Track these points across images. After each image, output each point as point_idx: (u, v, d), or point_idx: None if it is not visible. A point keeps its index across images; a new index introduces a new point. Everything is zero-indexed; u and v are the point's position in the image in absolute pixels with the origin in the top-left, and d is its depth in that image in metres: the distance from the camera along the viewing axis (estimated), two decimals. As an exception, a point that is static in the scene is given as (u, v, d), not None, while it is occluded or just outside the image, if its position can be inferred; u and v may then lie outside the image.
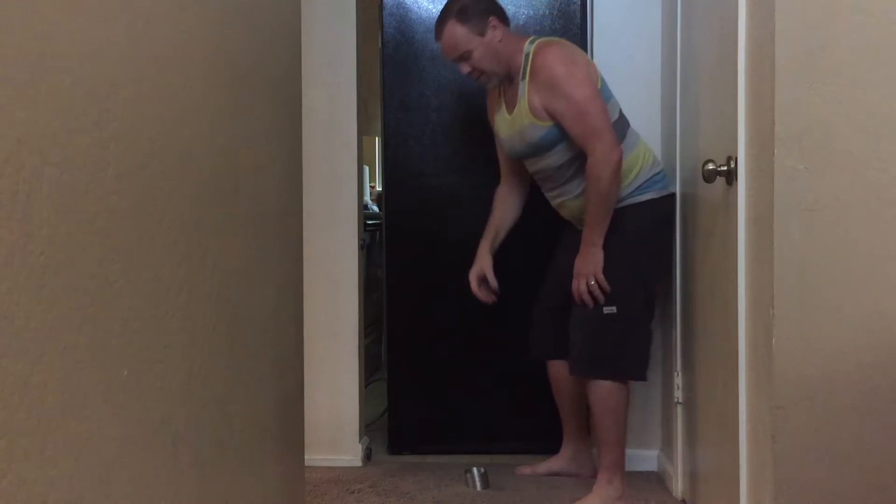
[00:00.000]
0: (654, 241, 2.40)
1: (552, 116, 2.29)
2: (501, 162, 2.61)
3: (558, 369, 2.54)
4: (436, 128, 2.89)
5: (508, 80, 2.40)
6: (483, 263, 2.55)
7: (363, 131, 2.90)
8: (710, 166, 1.86)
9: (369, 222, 3.83)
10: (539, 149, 2.36)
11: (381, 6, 2.92)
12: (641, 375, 2.37)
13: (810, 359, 1.55)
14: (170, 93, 1.10)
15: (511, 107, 2.41)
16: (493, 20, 2.37)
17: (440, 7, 2.85)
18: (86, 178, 0.88)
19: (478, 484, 2.51)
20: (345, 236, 2.80)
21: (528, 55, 2.34)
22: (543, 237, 2.66)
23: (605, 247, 2.29)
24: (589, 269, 2.28)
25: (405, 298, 2.94)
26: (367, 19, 3.05)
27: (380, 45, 2.99)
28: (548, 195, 2.47)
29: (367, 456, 2.87)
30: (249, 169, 1.44)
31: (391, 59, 2.90)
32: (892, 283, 1.54)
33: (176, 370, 1.11)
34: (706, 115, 2.12)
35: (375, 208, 5.10)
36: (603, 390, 2.31)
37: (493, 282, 2.53)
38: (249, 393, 1.42)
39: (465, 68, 2.38)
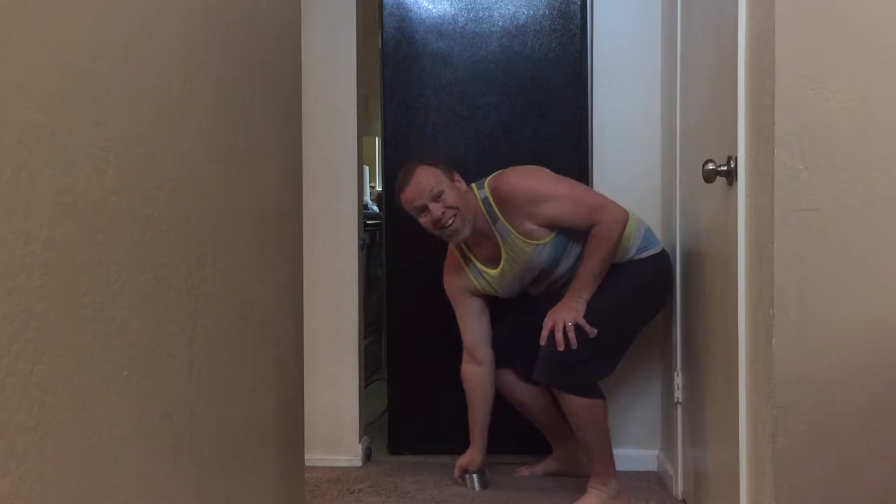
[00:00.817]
0: (657, 293, 2.42)
1: (547, 226, 2.29)
2: (467, 336, 2.50)
3: (507, 377, 2.52)
4: (436, 128, 2.89)
5: (476, 234, 2.36)
6: (479, 461, 2.52)
7: (363, 131, 2.91)
8: (710, 166, 1.86)
9: (369, 222, 3.83)
10: (552, 263, 2.35)
11: (381, 6, 2.92)
12: (595, 394, 2.28)
13: (810, 359, 1.55)
14: (170, 93, 1.10)
15: (492, 261, 2.39)
16: (456, 175, 2.37)
17: (440, 7, 2.86)
18: (86, 178, 0.88)
19: (476, 485, 2.51)
20: (345, 236, 2.80)
21: (486, 199, 2.33)
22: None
23: (608, 284, 2.30)
24: (569, 315, 2.24)
25: (405, 298, 2.94)
26: (367, 19, 3.05)
27: (380, 45, 2.99)
28: (546, 290, 2.44)
29: (367, 456, 2.87)
30: (249, 169, 1.44)
31: (391, 59, 2.90)
32: (891, 284, 1.54)
33: (176, 370, 1.11)
34: (706, 115, 2.12)
35: (375, 208, 5.09)
36: (578, 402, 2.26)
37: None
38: (249, 393, 1.42)
39: (438, 210, 2.27)
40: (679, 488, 2.42)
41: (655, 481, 2.62)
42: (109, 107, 0.93)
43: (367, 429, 3.02)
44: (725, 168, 1.84)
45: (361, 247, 2.85)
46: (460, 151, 2.89)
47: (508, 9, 2.86)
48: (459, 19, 2.87)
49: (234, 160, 1.36)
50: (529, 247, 2.32)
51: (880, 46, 1.53)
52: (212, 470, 1.24)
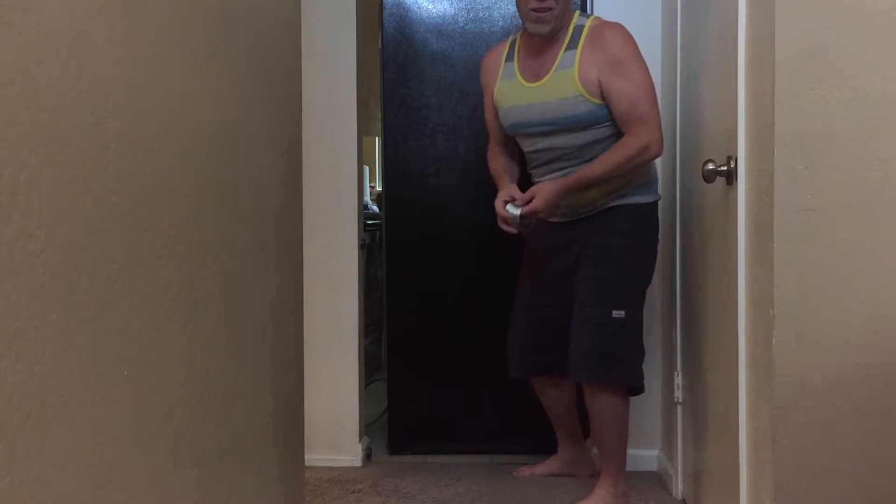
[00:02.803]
0: (652, 246, 2.38)
1: (599, 94, 2.20)
2: (494, 131, 2.48)
3: (546, 384, 2.52)
4: (436, 128, 2.89)
5: (541, 42, 2.27)
6: (508, 189, 2.36)
7: (363, 131, 2.91)
8: (710, 166, 1.86)
9: (369, 222, 3.83)
10: (575, 124, 2.24)
11: (381, 6, 2.93)
12: (642, 385, 2.32)
13: (810, 359, 1.55)
14: (170, 93, 1.10)
15: (535, 75, 2.29)
16: None
17: (440, 7, 2.87)
18: (86, 178, 0.88)
19: (517, 212, 2.28)
20: (345, 236, 2.80)
21: (580, 27, 2.25)
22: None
23: (613, 250, 2.27)
24: (545, 208, 2.22)
25: (405, 298, 2.94)
26: (367, 19, 3.05)
27: (380, 45, 3.00)
28: (549, 176, 2.33)
29: (367, 456, 2.87)
30: (249, 169, 1.44)
31: (391, 59, 2.90)
32: (891, 283, 1.53)
33: (176, 370, 1.11)
34: (706, 114, 2.12)
35: (375, 208, 5.09)
36: (608, 399, 2.27)
37: (522, 198, 2.30)
38: (249, 393, 1.42)
39: None
40: (679, 488, 2.42)
41: (655, 481, 2.62)
42: (109, 107, 0.93)
43: (367, 429, 3.02)
44: (725, 168, 1.84)
45: (361, 247, 2.85)
46: (460, 151, 2.90)
47: (508, 9, 2.86)
48: (459, 19, 2.88)
49: (234, 160, 1.36)
50: (573, 91, 2.21)
51: (880, 46, 1.53)
52: (212, 470, 1.24)
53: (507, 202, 2.31)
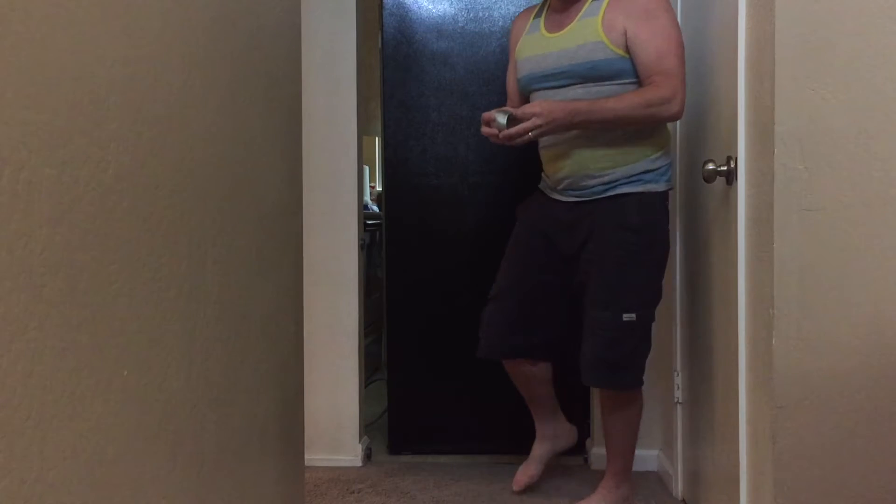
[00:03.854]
0: (665, 240, 2.21)
1: (625, 46, 2.06)
2: (511, 96, 2.37)
3: (523, 362, 2.38)
4: (436, 128, 2.89)
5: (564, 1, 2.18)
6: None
7: (363, 131, 2.91)
8: (710, 166, 1.86)
9: (369, 222, 3.83)
10: (590, 73, 2.09)
11: (381, 6, 2.93)
12: (642, 381, 2.24)
13: (810, 359, 1.55)
14: (170, 93, 1.10)
15: (558, 27, 2.17)
16: None
17: (440, 7, 2.87)
18: (86, 178, 0.88)
19: (503, 118, 2.07)
20: (345, 236, 2.80)
21: None
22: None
23: (623, 248, 2.12)
24: (550, 124, 2.02)
25: (405, 298, 2.94)
26: (367, 19, 3.05)
27: (380, 45, 3.00)
28: (555, 137, 2.16)
29: (367, 456, 2.87)
30: (249, 169, 1.44)
31: (391, 59, 2.90)
32: (892, 283, 1.53)
33: (176, 370, 1.11)
34: (706, 114, 2.12)
35: (375, 208, 5.09)
36: (624, 400, 2.22)
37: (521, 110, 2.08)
38: (249, 393, 1.42)
39: None
40: (679, 488, 2.42)
41: (655, 481, 2.62)
42: (109, 107, 0.93)
43: (367, 429, 3.02)
44: (725, 168, 1.84)
45: (361, 247, 2.85)
46: (460, 151, 2.89)
47: (508, 9, 2.86)
48: (459, 19, 2.88)
49: (234, 160, 1.36)
50: (594, 37, 2.08)
51: (880, 46, 1.53)
52: (211, 470, 1.24)
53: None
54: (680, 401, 2.41)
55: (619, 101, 2.03)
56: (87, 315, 0.88)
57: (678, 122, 2.40)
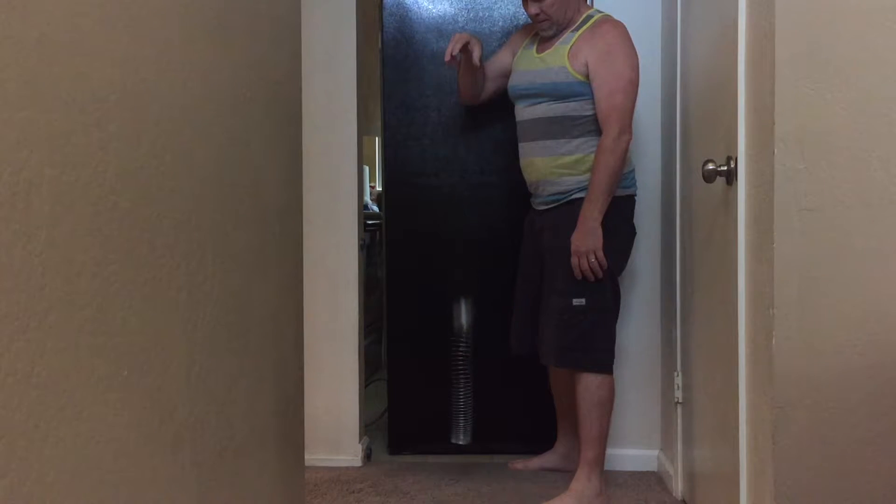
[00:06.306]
0: (624, 237, 2.46)
1: (586, 73, 2.36)
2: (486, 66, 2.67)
3: (557, 372, 2.59)
4: (436, 128, 2.89)
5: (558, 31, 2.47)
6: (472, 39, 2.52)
7: (363, 131, 2.91)
8: (710, 166, 1.86)
9: (369, 222, 3.83)
10: (553, 92, 2.40)
11: (381, 6, 2.92)
12: (609, 369, 2.39)
13: (810, 358, 1.55)
14: (169, 93, 1.10)
15: (543, 49, 2.47)
16: None
17: (440, 7, 2.87)
18: (86, 178, 0.88)
19: (463, 315, 2.46)
20: (345, 236, 2.80)
21: (589, 17, 2.43)
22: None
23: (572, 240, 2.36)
24: (588, 245, 2.30)
25: (405, 298, 2.94)
26: (367, 19, 3.05)
27: (380, 45, 3.00)
28: (524, 146, 2.49)
29: (367, 456, 2.87)
30: (249, 169, 1.44)
31: (391, 59, 2.90)
32: (891, 283, 1.54)
33: (176, 370, 1.11)
34: (706, 114, 2.12)
35: (375, 208, 5.09)
36: (590, 382, 2.35)
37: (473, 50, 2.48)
38: (249, 393, 1.42)
39: (534, 9, 2.40)
40: (679, 488, 2.42)
41: (655, 481, 2.62)
42: (109, 107, 0.93)
43: (367, 429, 3.02)
44: (725, 168, 1.84)
45: (361, 247, 2.85)
46: (460, 151, 2.89)
47: (508, 9, 2.86)
48: (459, 19, 2.87)
49: (234, 160, 1.36)
50: (561, 62, 2.38)
51: (880, 46, 1.53)
52: (211, 470, 1.24)
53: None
54: (680, 401, 2.41)
55: (595, 170, 2.32)
56: (87, 315, 0.88)
57: (678, 121, 2.40)
